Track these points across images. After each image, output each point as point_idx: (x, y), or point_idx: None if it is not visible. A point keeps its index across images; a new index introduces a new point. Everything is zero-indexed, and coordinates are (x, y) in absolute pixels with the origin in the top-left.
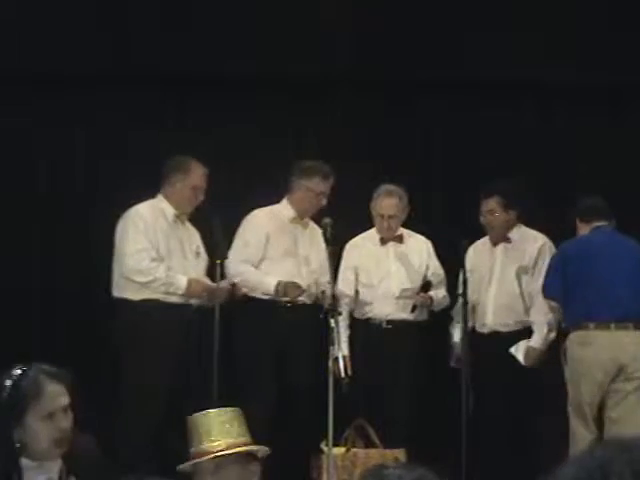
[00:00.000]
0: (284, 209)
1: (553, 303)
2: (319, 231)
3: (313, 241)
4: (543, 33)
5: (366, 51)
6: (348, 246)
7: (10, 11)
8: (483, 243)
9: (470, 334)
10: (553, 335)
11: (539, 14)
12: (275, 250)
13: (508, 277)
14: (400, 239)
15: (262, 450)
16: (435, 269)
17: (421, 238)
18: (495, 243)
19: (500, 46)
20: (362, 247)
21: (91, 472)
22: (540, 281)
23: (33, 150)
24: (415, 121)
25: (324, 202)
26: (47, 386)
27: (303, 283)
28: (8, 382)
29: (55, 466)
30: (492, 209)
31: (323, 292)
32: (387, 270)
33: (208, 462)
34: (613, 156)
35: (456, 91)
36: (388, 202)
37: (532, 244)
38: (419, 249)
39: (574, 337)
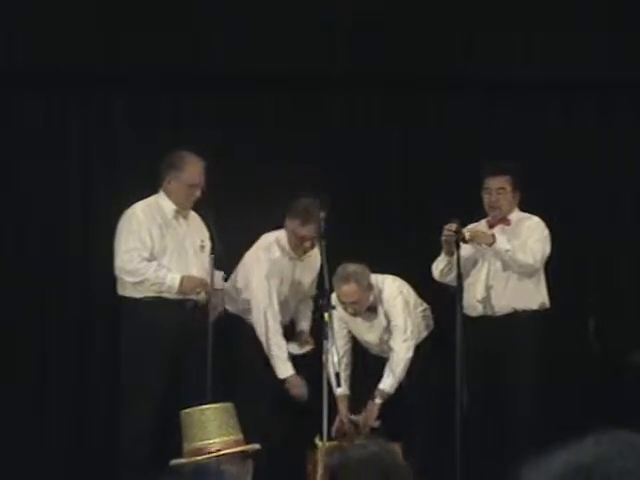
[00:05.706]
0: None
1: None
2: None
3: None
4: (553, 32)
5: (366, 51)
6: None
7: (7, 8)
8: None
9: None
10: None
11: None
12: None
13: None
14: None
15: (254, 448)
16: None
17: (391, 289)
18: (492, 225)
19: (500, 46)
20: None
21: None
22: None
23: (29, 150)
24: (415, 121)
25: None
26: None
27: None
28: None
29: None
30: (502, 187)
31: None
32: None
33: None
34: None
35: (456, 91)
36: (346, 289)
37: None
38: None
39: None
